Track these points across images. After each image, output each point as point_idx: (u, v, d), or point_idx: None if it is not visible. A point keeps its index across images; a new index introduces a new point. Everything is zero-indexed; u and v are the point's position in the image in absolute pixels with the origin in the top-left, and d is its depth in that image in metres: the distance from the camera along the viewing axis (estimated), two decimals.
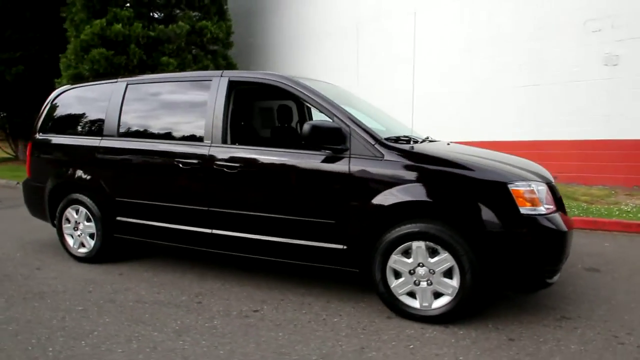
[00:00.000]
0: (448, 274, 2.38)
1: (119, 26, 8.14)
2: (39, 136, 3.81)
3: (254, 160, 2.81)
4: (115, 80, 3.51)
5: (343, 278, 3.08)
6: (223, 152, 2.87)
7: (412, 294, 2.49)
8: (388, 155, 2.49)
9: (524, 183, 2.31)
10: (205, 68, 9.72)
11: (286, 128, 4.06)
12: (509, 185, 2.28)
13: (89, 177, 3.44)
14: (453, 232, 2.33)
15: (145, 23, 8.72)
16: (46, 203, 3.72)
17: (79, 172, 3.48)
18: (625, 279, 3.22)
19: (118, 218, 3.36)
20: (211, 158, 2.88)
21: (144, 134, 3.25)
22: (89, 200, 3.46)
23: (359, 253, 2.58)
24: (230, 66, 10.74)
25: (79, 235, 3.60)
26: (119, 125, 3.33)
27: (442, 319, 2.41)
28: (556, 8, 7.13)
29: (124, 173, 3.31)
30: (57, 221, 3.68)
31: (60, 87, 4.01)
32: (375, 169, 2.50)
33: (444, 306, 2.40)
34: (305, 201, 2.70)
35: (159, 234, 3.21)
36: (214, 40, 9.72)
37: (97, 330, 2.38)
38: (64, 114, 3.79)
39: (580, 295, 2.88)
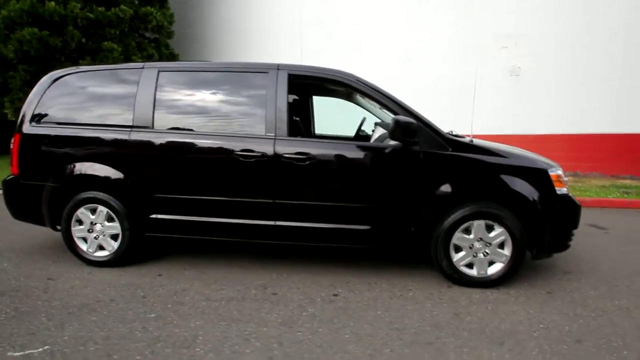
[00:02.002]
0: (501, 245, 2.66)
1: (52, 4, 6.62)
2: (31, 127, 2.98)
3: (326, 153, 2.68)
4: (140, 65, 2.93)
5: (373, 258, 3.19)
6: (290, 145, 2.67)
7: (470, 265, 2.71)
8: (452, 148, 2.64)
9: (555, 169, 2.69)
10: (150, 56, 8.60)
11: (301, 122, 3.90)
12: (549, 171, 2.64)
13: (113, 173, 2.84)
14: (507, 211, 2.61)
15: (81, 4, 7.25)
16: (46, 204, 2.96)
17: (98, 168, 2.85)
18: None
19: (153, 216, 2.87)
20: (278, 151, 2.66)
21: (189, 127, 2.81)
22: (112, 198, 2.87)
23: (425, 234, 2.70)
24: (173, 56, 9.66)
25: (95, 238, 2.97)
26: (153, 116, 2.80)
27: (495, 282, 2.69)
28: (476, 29, 8.13)
29: (168, 168, 2.80)
30: (63, 224, 2.96)
31: (55, 70, 3.17)
32: (443, 159, 2.63)
33: (497, 272, 2.68)
34: (378, 190, 2.70)
35: (209, 230, 2.84)
36: (158, 27, 8.59)
37: (198, 335, 2.05)
38: (65, 101, 3.01)
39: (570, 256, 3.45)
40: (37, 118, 2.98)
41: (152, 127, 2.80)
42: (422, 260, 3.16)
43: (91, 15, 7.17)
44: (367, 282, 2.80)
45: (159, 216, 2.86)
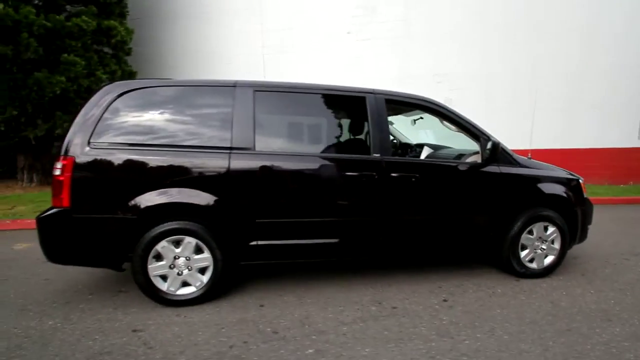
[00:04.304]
0: (552, 241, 2.96)
1: (1, 5, 5.11)
2: (90, 151, 2.23)
3: (430, 169, 2.64)
4: (231, 83, 2.46)
5: (418, 264, 3.26)
6: (396, 163, 2.56)
7: (531, 260, 2.94)
8: (520, 163, 2.87)
9: (582, 179, 3.13)
10: (113, 73, 7.31)
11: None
12: (580, 181, 3.06)
13: (207, 200, 2.31)
14: (556, 213, 2.93)
15: (33, 10, 5.77)
16: (112, 240, 2.25)
17: (188, 195, 2.29)
18: None
19: (254, 242, 2.42)
20: (387, 169, 2.52)
21: (291, 148, 2.47)
22: (202, 227, 2.33)
23: (499, 237, 2.85)
24: (132, 74, 8.35)
25: (178, 274, 2.35)
26: (254, 137, 2.38)
27: (548, 272, 2.97)
28: (416, 66, 9.00)
29: (273, 191, 2.39)
30: (137, 261, 2.28)
31: (113, 83, 2.43)
32: (514, 173, 2.83)
33: (550, 263, 2.96)
34: (471, 201, 2.75)
35: (314, 252, 2.52)
36: (121, 43, 7.35)
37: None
38: (136, 120, 2.34)
39: None
40: (98, 140, 2.26)
41: (254, 149, 2.38)
42: (454, 262, 3.31)
43: (48, 24, 5.75)
44: (454, 285, 2.81)
45: (261, 242, 2.42)
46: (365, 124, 2.60)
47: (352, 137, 2.66)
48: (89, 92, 6.75)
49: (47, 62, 5.95)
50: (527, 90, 8.70)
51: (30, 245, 3.91)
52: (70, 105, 6.36)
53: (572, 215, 2.99)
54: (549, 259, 2.97)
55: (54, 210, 2.23)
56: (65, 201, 2.22)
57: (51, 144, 7.32)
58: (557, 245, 2.97)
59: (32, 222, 4.80)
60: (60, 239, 2.27)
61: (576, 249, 3.65)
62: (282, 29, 9.62)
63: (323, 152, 2.52)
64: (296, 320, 2.21)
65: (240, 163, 2.35)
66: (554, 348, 1.92)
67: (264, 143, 2.42)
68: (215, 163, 2.33)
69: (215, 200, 2.33)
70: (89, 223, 2.24)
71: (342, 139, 2.63)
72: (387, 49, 9.16)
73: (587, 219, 3.13)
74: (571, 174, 3.09)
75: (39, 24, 5.59)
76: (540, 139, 8.59)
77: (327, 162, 2.49)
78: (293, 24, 9.55)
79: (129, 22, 8.39)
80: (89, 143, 2.24)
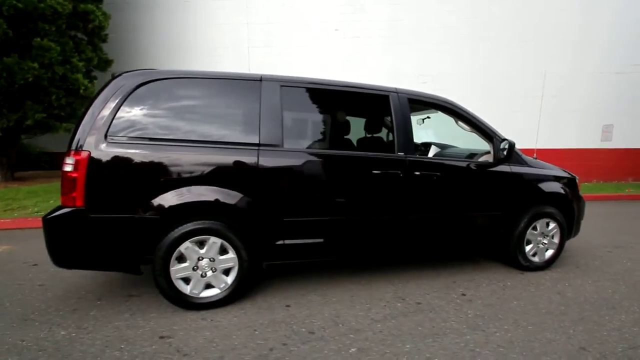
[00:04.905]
0: (552, 236, 3.16)
1: None
2: (108, 146, 2.05)
3: (450, 168, 2.69)
4: (257, 77, 2.35)
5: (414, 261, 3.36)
6: (419, 162, 2.60)
7: (534, 254, 3.12)
8: (527, 163, 3.02)
9: (578, 177, 3.35)
10: (89, 60, 6.81)
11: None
12: (575, 179, 3.27)
13: (234, 198, 2.21)
14: (558, 210, 3.12)
15: None
16: (132, 241, 2.10)
17: (215, 193, 2.17)
18: None
19: (280, 242, 2.35)
20: (411, 167, 2.55)
21: (318, 145, 2.42)
22: (227, 226, 2.23)
23: (508, 233, 2.99)
24: (108, 62, 7.80)
25: (202, 276, 2.24)
26: (283, 134, 2.31)
27: (548, 265, 3.16)
28: (402, 65, 9.17)
29: (302, 189, 2.33)
30: (158, 263, 2.14)
31: (129, 72, 2.23)
32: (526, 172, 2.97)
33: (550, 257, 3.15)
34: (486, 199, 2.85)
35: (335, 250, 2.49)
36: (98, 29, 6.83)
37: (434, 358, 1.81)
38: (157, 113, 2.17)
39: None
40: (116, 134, 2.08)
41: (282, 146, 2.30)
42: (459, 258, 3.45)
43: (19, 5, 5.21)
44: (467, 280, 2.91)
45: (288, 242, 2.36)
46: (389, 122, 2.61)
47: (376, 135, 2.65)
48: (64, 81, 6.25)
49: (18, 46, 5.40)
50: (510, 92, 9.15)
51: (11, 248, 3.55)
52: (42, 94, 5.83)
53: (570, 211, 3.19)
54: (549, 253, 3.16)
55: (66, 210, 2.04)
56: (80, 200, 2.03)
57: (18, 137, 6.68)
58: (556, 240, 3.16)
59: (4, 222, 4.38)
60: (73, 242, 2.07)
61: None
62: (269, 22, 9.41)
63: (349, 149, 2.50)
64: (328, 320, 2.19)
65: (269, 160, 2.27)
66: (575, 336, 2.05)
67: (291, 140, 2.36)
68: (244, 160, 2.23)
69: (242, 199, 2.23)
70: (107, 224, 2.06)
71: (366, 137, 2.61)
72: (374, 48, 9.26)
73: (581, 214, 3.36)
74: (568, 173, 3.30)
75: (9, 3, 5.05)
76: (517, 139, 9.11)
77: (354, 161, 2.47)
78: (280, 18, 9.38)
79: (105, 6, 7.82)
80: (105, 137, 2.06)
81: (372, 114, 2.68)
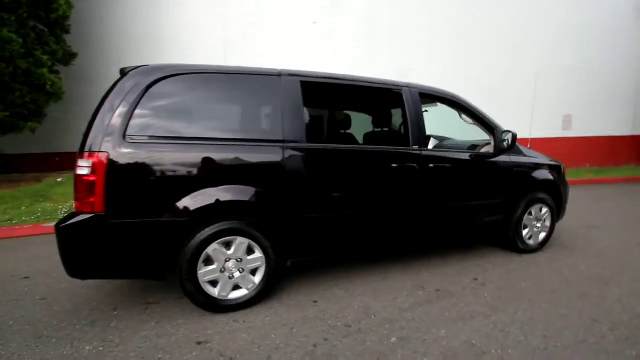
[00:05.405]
0: (544, 220, 3.41)
1: None
2: (128, 146, 1.91)
3: (459, 160, 2.81)
4: (276, 72, 2.30)
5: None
6: (433, 155, 2.69)
7: (530, 237, 3.36)
8: (524, 153, 3.23)
9: (563, 165, 3.63)
10: (54, 53, 6.24)
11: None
12: (561, 166, 3.55)
13: (260, 196, 2.17)
14: (548, 195, 3.38)
15: None
16: (157, 246, 2.00)
17: (241, 192, 2.12)
18: None
19: (308, 238, 2.35)
20: (425, 160, 2.64)
21: (335, 138, 2.43)
22: (253, 226, 2.19)
23: (507, 220, 3.19)
24: (72, 56, 7.19)
25: (229, 278, 2.19)
26: (306, 130, 2.28)
27: (541, 247, 3.42)
28: (380, 61, 9.33)
29: (326, 185, 2.33)
30: (185, 267, 2.06)
31: (143, 67, 2.07)
32: (523, 161, 3.18)
33: (543, 239, 3.41)
34: (491, 188, 3.02)
35: (359, 244, 2.54)
36: (62, 19, 6.27)
37: (471, 340, 1.91)
38: (176, 109, 2.06)
39: None
40: (135, 133, 1.96)
41: (306, 142, 2.28)
42: (457, 245, 3.66)
43: None
44: (473, 265, 3.07)
45: (315, 237, 2.37)
46: (403, 116, 2.67)
47: (392, 129, 2.71)
48: (28, 76, 5.69)
49: None
50: (480, 89, 9.63)
51: None
52: (4, 90, 5.27)
53: (559, 196, 3.47)
54: (542, 236, 3.42)
55: (85, 216, 1.89)
56: (99, 205, 1.89)
57: None
58: (548, 223, 3.43)
59: None
60: (92, 250, 1.94)
61: None
62: (245, 15, 9.14)
63: (368, 144, 2.53)
64: (359, 312, 2.23)
65: (294, 157, 2.24)
66: (585, 310, 2.25)
67: (314, 135, 2.34)
68: (271, 157, 2.19)
69: (269, 197, 2.20)
70: (130, 229, 1.95)
71: (383, 131, 2.66)
72: (352, 43, 9.32)
73: (566, 198, 3.66)
74: (555, 161, 3.57)
75: None
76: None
77: (375, 155, 2.51)
78: (257, 11, 9.14)
79: None
80: (124, 137, 1.93)
81: (386, 108, 2.73)
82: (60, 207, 4.96)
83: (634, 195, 6.73)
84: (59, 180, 6.57)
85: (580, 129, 10.14)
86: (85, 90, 7.78)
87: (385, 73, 9.19)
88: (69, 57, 7.08)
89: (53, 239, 1.97)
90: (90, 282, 2.68)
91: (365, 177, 2.48)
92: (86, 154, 1.91)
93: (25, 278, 2.83)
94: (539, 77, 9.73)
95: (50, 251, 3.40)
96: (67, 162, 7.98)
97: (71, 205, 5.05)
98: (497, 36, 9.49)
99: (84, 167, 1.90)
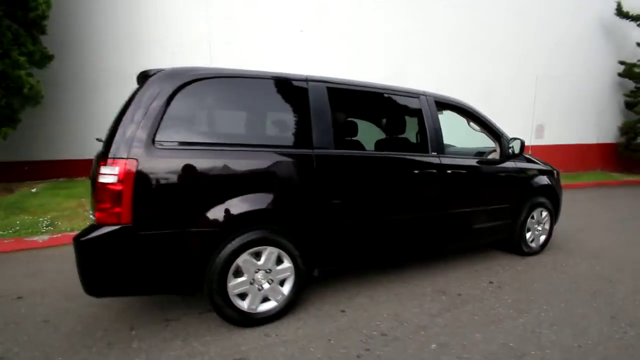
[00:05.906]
0: (544, 223, 3.58)
1: None
2: (158, 153, 1.80)
3: (473, 166, 2.90)
4: (303, 77, 2.27)
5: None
6: (451, 161, 2.75)
7: (532, 240, 3.50)
8: (527, 159, 3.39)
9: (558, 170, 3.85)
10: (31, 54, 5.83)
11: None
12: (554, 171, 3.75)
13: (291, 204, 2.12)
14: (548, 200, 3.56)
15: None
16: (188, 258, 1.89)
17: (273, 200, 2.05)
18: None
19: (335, 247, 2.31)
20: (443, 167, 2.69)
21: (364, 146, 2.43)
22: (283, 235, 2.12)
23: (514, 223, 3.31)
24: (49, 57, 6.75)
25: (259, 289, 2.10)
26: (334, 136, 2.26)
27: (542, 249, 3.58)
28: (367, 68, 9.51)
29: (355, 191, 2.30)
30: (214, 279, 1.96)
31: (167, 70, 1.96)
32: (526, 167, 3.33)
33: (543, 242, 3.58)
34: (501, 193, 3.13)
35: (385, 251, 2.53)
36: (40, 18, 5.88)
37: (508, 343, 1.94)
38: (204, 115, 1.97)
39: None
40: (165, 139, 1.85)
41: (334, 148, 2.26)
42: (459, 251, 3.77)
43: None
44: (484, 268, 3.16)
45: (344, 245, 2.33)
46: (421, 123, 2.73)
47: (411, 136, 2.75)
48: (4, 78, 5.26)
49: None
50: (465, 94, 10.06)
51: None
52: None
53: (557, 200, 3.66)
54: (542, 238, 3.59)
55: (110, 228, 1.75)
56: (126, 216, 1.76)
57: None
58: (547, 227, 3.60)
59: None
60: (118, 264, 1.79)
61: None
62: (231, 16, 9.01)
63: (392, 151, 2.56)
64: (390, 320, 2.21)
65: (324, 164, 2.21)
66: (601, 308, 2.37)
67: (341, 141, 2.33)
68: (302, 164, 2.15)
69: (300, 205, 2.15)
70: (159, 241, 1.82)
71: (403, 139, 2.70)
72: (338, 49, 9.45)
73: (561, 201, 3.87)
74: (551, 167, 3.78)
75: None
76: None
77: (400, 162, 2.54)
78: (242, 11, 9.03)
79: None
80: (153, 142, 1.82)
81: (406, 115, 2.78)
82: (40, 219, 4.58)
83: (607, 199, 7.25)
84: (34, 190, 6.09)
85: (552, 137, 10.83)
86: (60, 95, 7.31)
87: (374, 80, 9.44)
88: (45, 59, 6.64)
89: (38, 254, 1.82)
90: (95, 300, 2.47)
91: (391, 184, 2.49)
92: (110, 161, 1.78)
93: (19, 298, 2.56)
94: (513, 86, 10.33)
95: (38, 267, 3.12)
96: (39, 171, 7.43)
97: (52, 217, 4.68)
98: (473, 47, 9.99)
99: (108, 175, 1.77)
